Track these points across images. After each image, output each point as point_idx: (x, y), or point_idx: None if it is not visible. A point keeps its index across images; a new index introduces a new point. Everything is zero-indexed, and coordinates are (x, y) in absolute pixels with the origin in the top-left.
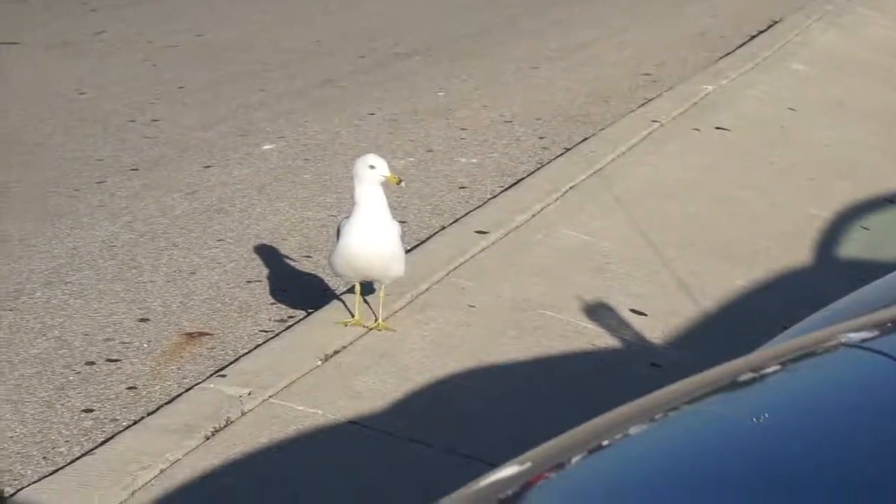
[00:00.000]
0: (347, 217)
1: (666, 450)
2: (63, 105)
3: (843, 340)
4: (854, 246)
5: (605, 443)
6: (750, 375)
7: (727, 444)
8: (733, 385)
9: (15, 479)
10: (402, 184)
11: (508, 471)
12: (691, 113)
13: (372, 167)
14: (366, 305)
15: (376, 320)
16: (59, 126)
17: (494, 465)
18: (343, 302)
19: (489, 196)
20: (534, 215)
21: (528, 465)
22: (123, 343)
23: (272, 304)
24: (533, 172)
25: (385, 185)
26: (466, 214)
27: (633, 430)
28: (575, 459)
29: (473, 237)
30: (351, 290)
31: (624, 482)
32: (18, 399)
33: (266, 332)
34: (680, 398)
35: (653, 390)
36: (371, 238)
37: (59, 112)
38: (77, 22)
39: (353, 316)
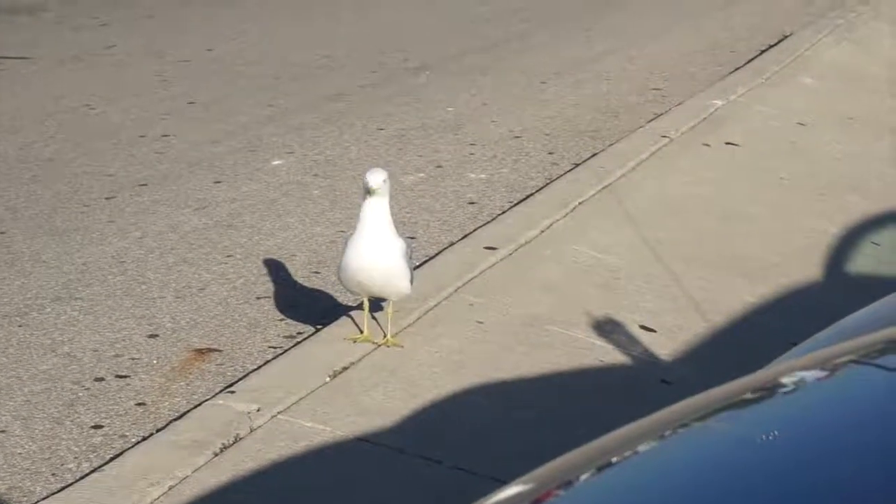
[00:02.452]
0: (352, 232)
1: (675, 468)
2: (73, 120)
3: (851, 357)
4: (865, 261)
5: (613, 460)
6: (759, 393)
7: (737, 462)
8: (743, 402)
9: (24, 496)
10: (368, 197)
11: (516, 489)
12: (701, 128)
13: (364, 181)
14: (375, 322)
15: (385, 336)
16: (68, 141)
17: (503, 481)
18: (352, 318)
19: (498, 212)
20: (543, 231)
21: (537, 482)
22: (133, 359)
23: (281, 320)
24: (542, 188)
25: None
26: (476, 230)
27: (641, 448)
28: (584, 477)
29: (482, 253)
30: (360, 307)
31: (633, 501)
32: (28, 415)
33: (275, 348)
34: (689, 415)
35: (663, 407)
36: (368, 253)
37: (69, 127)
38: (87, 36)
39: (361, 332)
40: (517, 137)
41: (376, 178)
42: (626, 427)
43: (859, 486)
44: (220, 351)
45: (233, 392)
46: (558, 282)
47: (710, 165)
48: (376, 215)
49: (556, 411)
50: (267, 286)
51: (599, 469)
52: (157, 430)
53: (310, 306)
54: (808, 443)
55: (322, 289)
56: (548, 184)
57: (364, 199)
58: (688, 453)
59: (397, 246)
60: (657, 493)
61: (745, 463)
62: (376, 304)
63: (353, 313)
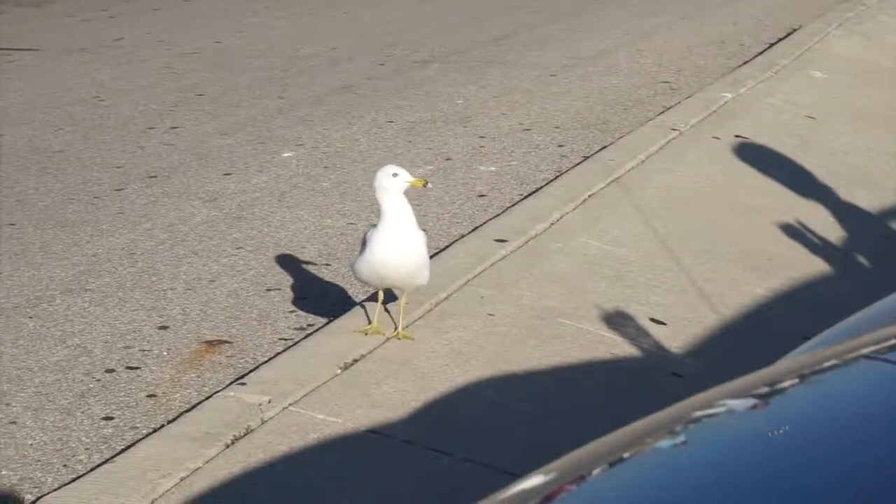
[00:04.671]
0: (374, 226)
1: (687, 463)
2: (82, 112)
3: (863, 353)
4: (874, 256)
5: (626, 455)
6: (771, 388)
7: (749, 458)
8: (755, 398)
9: (35, 487)
10: (429, 185)
11: (529, 482)
12: (710, 121)
13: (395, 175)
14: (386, 314)
15: (396, 329)
16: (77, 133)
17: (513, 474)
18: (363, 310)
19: (508, 204)
20: (552, 224)
21: (549, 476)
22: (143, 351)
23: (291, 312)
24: (552, 181)
25: (410, 191)
26: (485, 223)
27: (653, 443)
28: (596, 472)
29: (493, 245)
30: (370, 299)
31: (644, 496)
32: (39, 406)
33: (285, 340)
34: (700, 411)
35: (674, 400)
36: (399, 247)
37: (78, 119)
38: (96, 28)
39: (371, 324)
40: (527, 130)
41: (406, 171)
42: (638, 422)
43: (871, 482)
44: (230, 343)
45: (244, 384)
46: (568, 274)
47: (720, 159)
48: (401, 209)
49: (567, 404)
50: (277, 278)
51: (611, 464)
52: (168, 422)
53: (320, 298)
54: (819, 439)
55: (333, 281)
56: (557, 176)
57: (385, 193)
58: (699, 449)
59: (421, 238)
60: (669, 488)
61: (758, 459)
62: (389, 295)
63: (363, 305)
